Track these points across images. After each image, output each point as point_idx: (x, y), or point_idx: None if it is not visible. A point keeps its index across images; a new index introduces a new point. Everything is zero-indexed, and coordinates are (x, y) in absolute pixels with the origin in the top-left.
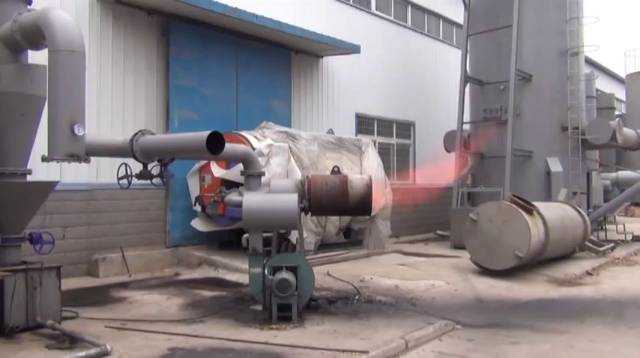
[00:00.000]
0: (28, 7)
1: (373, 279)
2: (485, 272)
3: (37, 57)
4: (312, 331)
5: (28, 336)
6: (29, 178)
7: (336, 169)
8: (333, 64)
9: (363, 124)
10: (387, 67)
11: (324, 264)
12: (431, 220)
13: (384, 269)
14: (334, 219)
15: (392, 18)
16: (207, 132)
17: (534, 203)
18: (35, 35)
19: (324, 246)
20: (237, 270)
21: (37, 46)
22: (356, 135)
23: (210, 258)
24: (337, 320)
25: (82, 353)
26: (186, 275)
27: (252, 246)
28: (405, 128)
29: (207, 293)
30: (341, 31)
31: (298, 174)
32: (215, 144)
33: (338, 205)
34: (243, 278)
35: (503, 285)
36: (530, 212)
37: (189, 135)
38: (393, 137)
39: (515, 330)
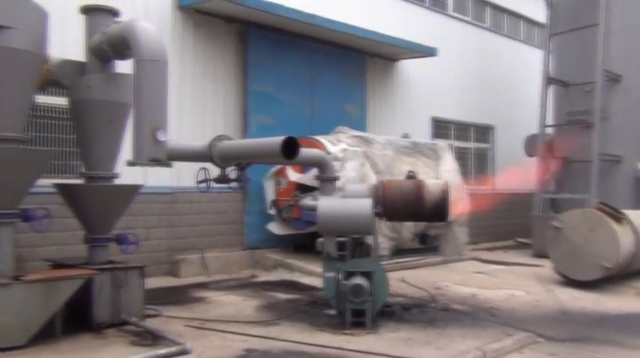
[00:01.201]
0: (116, 19)
1: (449, 287)
2: (569, 282)
3: (123, 67)
4: (386, 338)
5: (114, 332)
6: (116, 182)
7: (411, 174)
8: (408, 67)
9: (439, 128)
10: (465, 69)
11: (399, 269)
12: (511, 227)
13: (460, 277)
14: (409, 224)
15: (469, 19)
16: (282, 138)
17: (623, 211)
18: (122, 46)
19: (399, 251)
20: (312, 274)
21: (123, 56)
22: (432, 140)
23: (285, 261)
24: (412, 327)
25: (164, 351)
26: (262, 277)
27: (326, 250)
28: (483, 131)
29: (282, 296)
30: (416, 34)
31: (373, 179)
32: (290, 149)
33: (413, 211)
34: (318, 282)
35: (588, 297)
36: (618, 220)
37: (264, 141)
38: (471, 141)
39: (602, 345)
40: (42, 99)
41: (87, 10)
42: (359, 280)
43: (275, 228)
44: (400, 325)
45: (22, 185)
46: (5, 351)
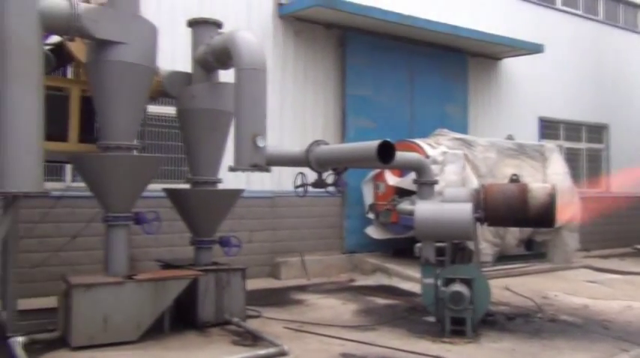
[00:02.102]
0: (219, 30)
1: (558, 296)
2: None
3: (226, 76)
4: (487, 348)
5: (217, 331)
6: (220, 186)
7: (514, 177)
8: (512, 65)
9: (547, 128)
10: (575, 65)
11: (503, 277)
12: (628, 233)
13: (570, 286)
14: (514, 229)
15: (580, 12)
16: (377, 142)
17: None
18: (224, 56)
19: (502, 257)
20: (411, 279)
21: (226, 66)
22: (539, 141)
23: (384, 266)
24: (515, 338)
25: (263, 352)
26: (361, 281)
27: (424, 256)
28: (597, 131)
29: (381, 301)
30: (521, 30)
31: (474, 183)
32: (386, 153)
33: (516, 216)
34: (417, 288)
35: None
36: None
37: (360, 145)
38: (583, 141)
39: None
40: (153, 109)
41: (193, 24)
42: (459, 287)
43: (373, 232)
44: (503, 335)
45: (136, 190)
46: (119, 345)
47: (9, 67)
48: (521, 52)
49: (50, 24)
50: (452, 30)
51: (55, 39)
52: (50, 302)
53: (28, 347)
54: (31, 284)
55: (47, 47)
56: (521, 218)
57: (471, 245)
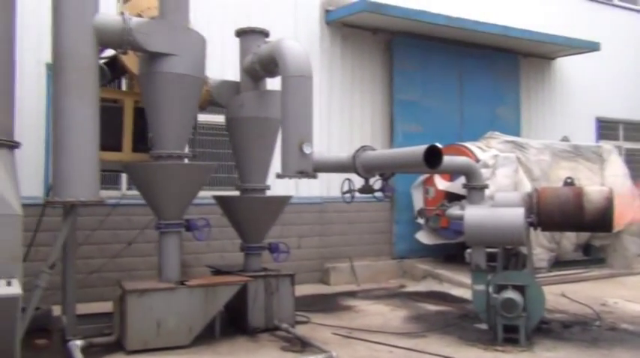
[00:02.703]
0: (266, 39)
1: (618, 304)
2: None
3: (273, 84)
4: (541, 357)
5: (267, 337)
6: (269, 193)
7: (569, 181)
8: (567, 65)
9: (605, 129)
10: (635, 62)
11: (558, 283)
12: None
13: (631, 293)
14: (570, 234)
15: (639, 7)
16: (424, 146)
17: None
18: (271, 64)
19: (558, 263)
20: (462, 285)
21: (272, 74)
22: (596, 142)
23: (434, 271)
24: (572, 347)
25: None
26: (411, 287)
27: (474, 262)
28: None
29: (431, 308)
30: (575, 29)
31: (527, 186)
32: (433, 157)
33: (571, 220)
34: (469, 294)
35: None
36: None
37: (406, 150)
38: None
39: None
40: (203, 117)
41: (241, 33)
42: (511, 294)
43: (423, 237)
44: (558, 344)
45: (187, 197)
46: (172, 350)
47: (66, 81)
48: (576, 50)
49: (104, 38)
50: (502, 30)
51: (109, 52)
52: (107, 306)
53: (86, 350)
54: (90, 290)
55: (102, 61)
56: (577, 223)
57: (524, 250)
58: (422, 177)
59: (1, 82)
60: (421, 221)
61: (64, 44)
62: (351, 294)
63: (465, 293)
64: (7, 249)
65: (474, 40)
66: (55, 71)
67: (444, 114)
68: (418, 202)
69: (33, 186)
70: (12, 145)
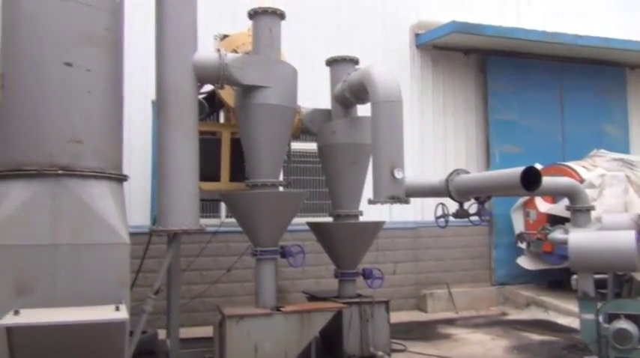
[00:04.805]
0: (355, 66)
1: None
2: None
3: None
4: None
5: None
6: (362, 218)
7: None
8: None
9: None
10: None
11: None
12: None
13: None
14: None
15: None
16: (521, 168)
17: None
18: (361, 91)
19: None
20: (570, 314)
21: (363, 101)
22: None
23: (538, 299)
24: None
25: None
26: (513, 315)
27: (581, 289)
28: None
29: (535, 337)
30: None
31: (638, 207)
32: (531, 180)
33: None
34: (577, 323)
35: None
36: None
37: (502, 173)
38: None
39: None
40: (296, 145)
41: (331, 62)
42: (624, 324)
43: (525, 262)
44: None
45: (281, 224)
46: None
47: (169, 116)
48: None
49: (203, 75)
50: (604, 42)
51: (207, 88)
52: (209, 331)
53: None
54: (193, 314)
55: (201, 96)
56: None
57: (638, 276)
58: (522, 200)
59: (112, 119)
60: (522, 245)
61: (167, 81)
62: (450, 322)
63: (573, 323)
64: (115, 276)
65: (574, 54)
66: (159, 107)
67: (544, 134)
68: (518, 226)
69: (140, 216)
70: (121, 178)
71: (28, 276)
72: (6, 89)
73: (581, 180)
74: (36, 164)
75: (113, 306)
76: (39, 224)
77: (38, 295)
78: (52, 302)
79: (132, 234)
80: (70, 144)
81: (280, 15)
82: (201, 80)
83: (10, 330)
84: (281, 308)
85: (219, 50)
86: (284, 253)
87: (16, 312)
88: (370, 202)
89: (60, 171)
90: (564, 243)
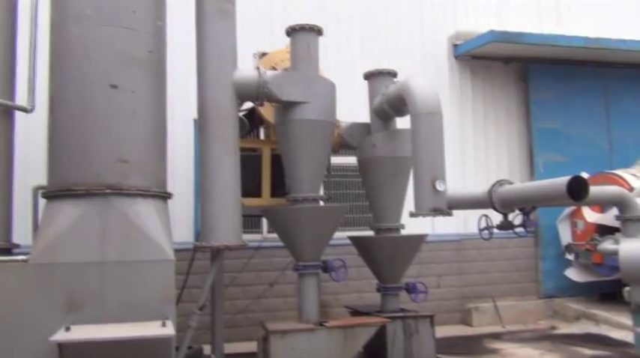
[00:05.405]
0: (394, 79)
1: None
2: None
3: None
4: None
5: None
6: (404, 231)
7: None
8: None
9: None
10: None
11: None
12: None
13: None
14: None
15: None
16: (567, 178)
17: None
18: (399, 104)
19: None
20: (623, 327)
21: (402, 113)
22: None
23: (589, 312)
24: None
25: None
26: (563, 329)
27: (634, 301)
28: None
29: (587, 352)
30: None
31: None
32: (577, 189)
33: None
34: (631, 337)
35: None
36: None
37: (547, 183)
38: None
39: None
40: (336, 160)
41: (369, 76)
42: None
43: (574, 274)
44: None
45: (323, 239)
46: None
47: (210, 133)
48: None
49: (243, 92)
50: None
51: (247, 105)
52: (252, 346)
53: None
54: (237, 329)
55: (241, 113)
56: None
57: None
58: (568, 210)
59: (156, 138)
60: (570, 257)
61: (208, 99)
62: (496, 336)
63: (626, 336)
64: (162, 292)
65: (619, 59)
66: (200, 124)
67: (589, 141)
68: (565, 237)
69: (184, 232)
70: (165, 196)
71: (78, 293)
72: (55, 112)
73: (631, 189)
74: (84, 184)
75: (160, 322)
76: (88, 242)
77: (87, 311)
78: (101, 319)
79: (176, 251)
80: (117, 163)
81: (317, 31)
82: (241, 98)
83: (61, 346)
84: (324, 323)
85: (258, 68)
86: (326, 267)
87: (67, 328)
88: (412, 215)
89: (107, 191)
90: (615, 253)
